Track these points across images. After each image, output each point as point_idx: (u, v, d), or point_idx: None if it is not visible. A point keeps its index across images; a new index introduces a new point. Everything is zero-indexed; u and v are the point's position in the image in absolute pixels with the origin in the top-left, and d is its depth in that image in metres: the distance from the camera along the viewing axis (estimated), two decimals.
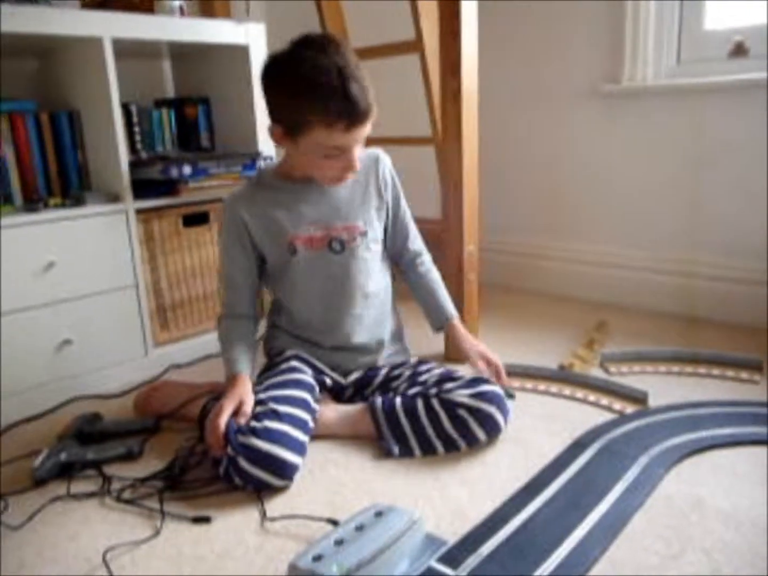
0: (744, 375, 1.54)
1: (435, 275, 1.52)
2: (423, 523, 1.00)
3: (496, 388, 1.28)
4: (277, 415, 1.18)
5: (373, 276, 1.42)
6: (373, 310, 1.42)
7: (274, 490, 1.15)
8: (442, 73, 1.61)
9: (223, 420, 1.17)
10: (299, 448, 1.17)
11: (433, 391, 1.28)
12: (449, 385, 1.28)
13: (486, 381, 1.29)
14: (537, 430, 1.34)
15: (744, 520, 1.01)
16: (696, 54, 1.93)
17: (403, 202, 1.47)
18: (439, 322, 1.50)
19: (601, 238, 2.19)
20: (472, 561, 0.95)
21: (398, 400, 1.29)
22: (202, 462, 1.23)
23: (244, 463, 1.12)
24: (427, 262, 1.52)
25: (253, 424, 1.16)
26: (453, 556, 0.96)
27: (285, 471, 1.13)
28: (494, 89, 2.21)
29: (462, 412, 1.23)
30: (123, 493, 1.16)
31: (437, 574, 0.93)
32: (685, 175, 1.96)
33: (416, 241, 1.52)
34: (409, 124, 2.16)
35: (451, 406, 1.24)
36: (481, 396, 1.24)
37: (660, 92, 1.96)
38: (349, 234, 1.37)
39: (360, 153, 1.30)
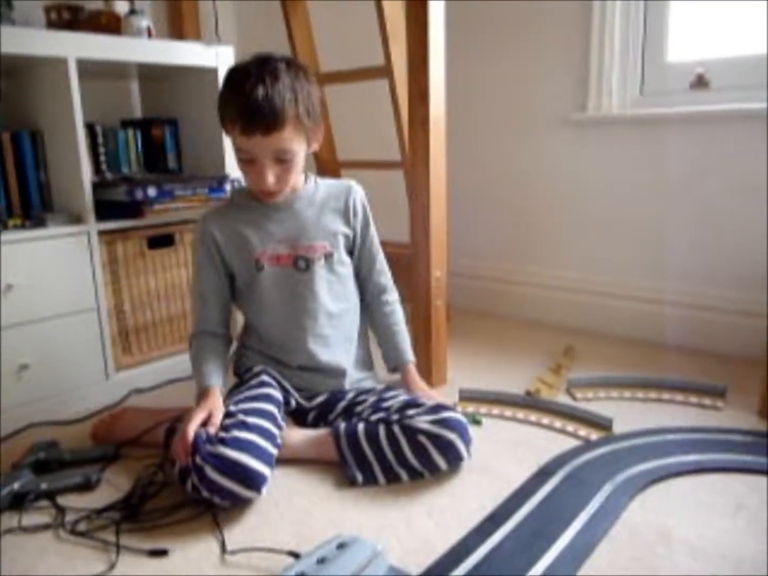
0: (707, 401, 1.56)
1: (399, 317, 1.52)
2: (386, 554, 0.99)
3: (458, 416, 1.26)
4: (246, 426, 1.17)
5: (339, 297, 1.42)
6: (338, 331, 1.42)
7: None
8: (410, 99, 1.62)
9: (193, 427, 1.16)
10: (268, 459, 1.15)
11: (395, 417, 1.27)
12: (411, 411, 1.27)
13: (449, 408, 1.28)
14: (503, 457, 1.33)
15: (711, 553, 1.01)
16: (659, 85, 1.97)
17: (372, 234, 1.48)
18: (394, 364, 1.50)
19: (570, 263, 2.21)
20: None
21: (360, 426, 1.28)
22: (162, 491, 1.20)
23: (212, 473, 1.09)
24: (392, 302, 1.51)
25: (222, 434, 1.15)
26: None
27: (254, 481, 1.11)
28: (464, 116, 2.24)
29: (422, 439, 1.21)
30: (78, 525, 1.12)
31: None
32: (651, 203, 1.99)
33: (382, 276, 1.51)
34: (379, 148, 2.17)
35: (411, 433, 1.22)
36: (442, 423, 1.23)
37: (624, 121, 2.01)
38: (314, 253, 1.38)
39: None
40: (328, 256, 1.39)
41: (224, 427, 1.17)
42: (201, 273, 1.39)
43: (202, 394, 1.28)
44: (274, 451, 1.18)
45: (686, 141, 1.90)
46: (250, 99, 1.19)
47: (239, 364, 1.46)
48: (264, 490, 1.13)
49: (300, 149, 1.29)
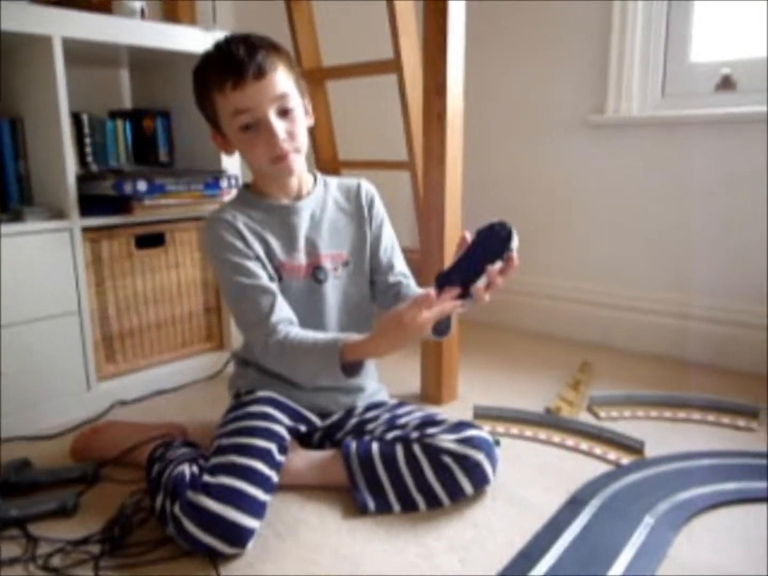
0: (741, 422, 1.45)
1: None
2: None
3: (484, 434, 1.14)
4: (234, 469, 1.02)
5: (356, 309, 1.29)
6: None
7: (234, 556, 0.98)
8: (426, 92, 1.50)
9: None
10: (257, 510, 1.00)
11: (415, 435, 1.14)
12: (432, 430, 1.15)
13: (472, 425, 1.16)
14: (529, 484, 1.20)
15: None
16: (682, 87, 1.88)
17: (389, 234, 1.32)
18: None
19: (585, 274, 2.10)
20: None
21: (375, 445, 1.15)
22: (149, 520, 1.06)
23: (191, 527, 0.95)
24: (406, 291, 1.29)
25: (206, 479, 1.00)
26: None
27: (238, 537, 0.97)
28: (477, 117, 2.12)
29: (447, 460, 1.09)
30: (51, 559, 0.98)
31: None
32: (672, 210, 1.89)
33: (403, 274, 1.31)
34: (380, 148, 2.05)
35: (434, 453, 1.10)
36: (468, 442, 1.11)
37: (645, 124, 1.91)
38: (333, 263, 1.25)
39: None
40: (346, 265, 1.27)
41: (210, 469, 1.03)
42: (239, 268, 1.16)
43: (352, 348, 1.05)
44: (266, 498, 1.03)
45: (710, 145, 1.80)
46: (232, 55, 1.10)
47: (238, 384, 1.29)
48: (250, 544, 0.99)
49: (298, 101, 1.16)
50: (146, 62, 1.81)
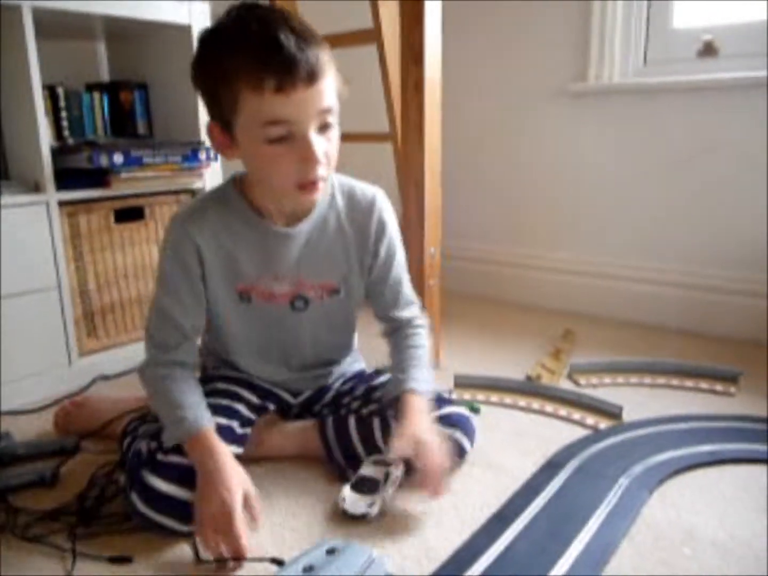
0: (719, 387, 1.46)
1: (420, 340, 1.18)
2: (383, 561, 0.87)
3: (461, 410, 1.14)
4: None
5: (337, 329, 1.21)
6: (331, 356, 1.24)
7: None
8: (403, 61, 1.49)
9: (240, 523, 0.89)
10: None
11: (391, 411, 1.13)
12: None
13: (449, 401, 1.16)
14: (506, 449, 1.21)
15: (744, 555, 0.91)
16: (664, 53, 1.86)
17: (399, 261, 1.17)
18: (395, 390, 1.11)
19: (567, 244, 2.10)
20: None
21: (351, 421, 1.14)
22: (123, 492, 1.06)
23: (143, 507, 0.94)
24: (418, 335, 1.19)
25: (159, 457, 0.97)
26: None
27: (190, 515, 0.92)
28: (458, 85, 2.10)
29: None
30: (30, 529, 0.98)
31: None
32: (653, 178, 1.89)
33: (408, 308, 1.20)
34: (365, 121, 2.03)
35: None
36: (444, 420, 1.11)
37: (626, 91, 1.89)
38: (318, 292, 1.13)
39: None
40: (334, 293, 1.14)
41: (164, 448, 0.98)
42: (170, 287, 1.05)
43: (201, 442, 0.97)
44: None
45: (692, 112, 1.79)
46: (279, 39, 0.86)
47: (205, 359, 1.25)
48: None
49: (337, 113, 0.96)
50: (123, 34, 1.79)
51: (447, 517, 1.01)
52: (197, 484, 0.93)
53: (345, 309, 1.18)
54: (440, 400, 1.15)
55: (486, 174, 2.22)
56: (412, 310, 1.20)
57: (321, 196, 1.02)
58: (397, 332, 1.20)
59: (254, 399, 1.16)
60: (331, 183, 1.10)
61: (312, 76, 0.88)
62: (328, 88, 0.92)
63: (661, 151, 1.86)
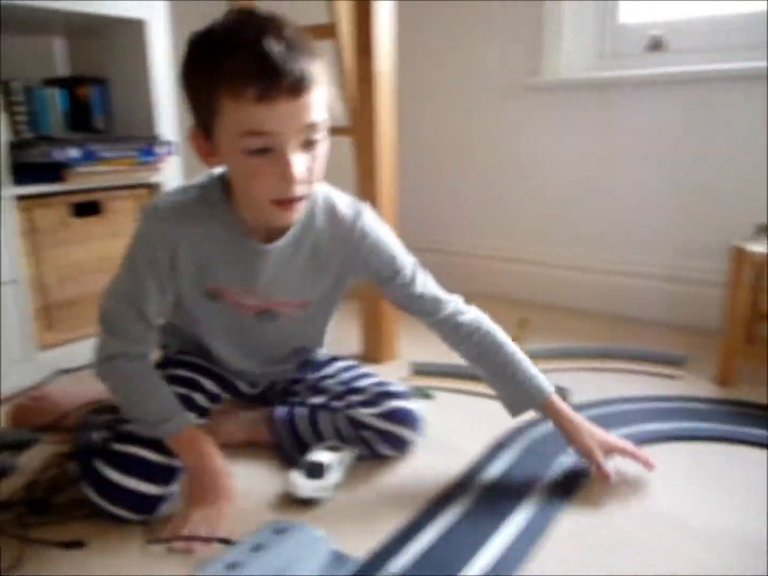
0: (666, 371, 1.51)
1: (496, 337, 1.11)
2: (329, 539, 0.90)
3: (406, 405, 1.14)
4: (143, 437, 0.99)
5: (307, 334, 1.22)
6: (300, 356, 1.26)
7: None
8: (356, 53, 1.51)
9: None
10: (165, 477, 0.99)
11: (338, 404, 1.16)
12: (354, 399, 1.15)
13: (395, 395, 1.14)
14: (457, 432, 1.25)
15: (710, 532, 0.95)
16: (616, 48, 1.91)
17: (401, 266, 1.10)
18: (529, 403, 1.09)
19: (527, 236, 2.14)
20: None
21: (299, 413, 1.17)
22: (76, 482, 1.06)
23: (94, 496, 0.96)
24: (472, 321, 1.11)
25: (113, 446, 0.99)
26: (364, 575, 0.85)
27: (143, 505, 0.96)
28: (413, 81, 2.13)
29: (368, 434, 1.12)
30: None
31: None
32: (609, 171, 1.93)
33: (446, 306, 1.13)
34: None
35: (356, 426, 1.12)
36: (389, 416, 1.12)
37: (580, 85, 1.94)
38: (288, 308, 1.12)
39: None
40: (305, 306, 1.13)
41: (119, 436, 1.00)
42: (137, 277, 1.00)
43: (183, 438, 1.01)
44: (178, 463, 1.00)
45: (645, 105, 1.83)
46: (264, 54, 0.82)
47: (168, 342, 1.25)
48: (164, 507, 0.98)
49: (326, 127, 0.91)
50: (83, 29, 1.78)
51: (393, 496, 1.04)
52: (188, 474, 1.00)
53: (317, 317, 1.18)
54: (384, 394, 1.14)
55: (445, 168, 2.25)
56: (450, 307, 1.13)
57: (298, 215, 0.97)
58: (453, 330, 1.12)
59: (212, 388, 1.18)
60: (314, 199, 1.04)
61: (296, 89, 0.84)
62: (316, 103, 0.87)
63: (615, 143, 1.90)
